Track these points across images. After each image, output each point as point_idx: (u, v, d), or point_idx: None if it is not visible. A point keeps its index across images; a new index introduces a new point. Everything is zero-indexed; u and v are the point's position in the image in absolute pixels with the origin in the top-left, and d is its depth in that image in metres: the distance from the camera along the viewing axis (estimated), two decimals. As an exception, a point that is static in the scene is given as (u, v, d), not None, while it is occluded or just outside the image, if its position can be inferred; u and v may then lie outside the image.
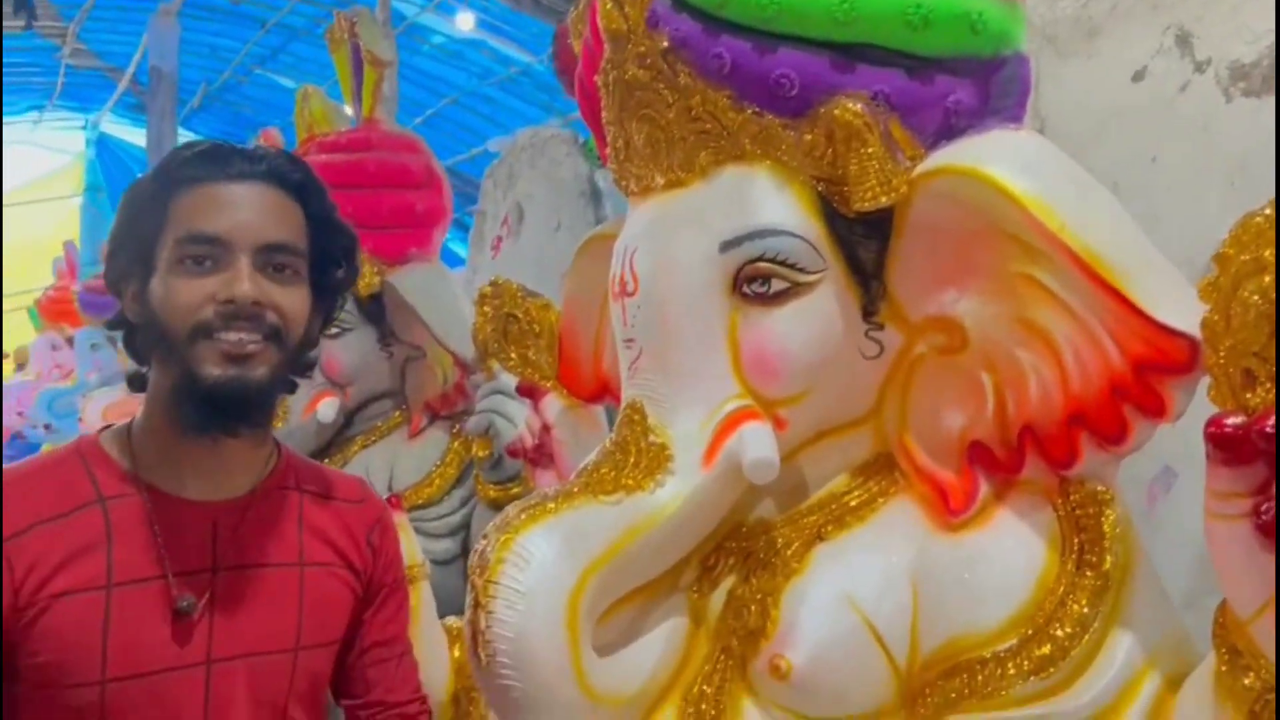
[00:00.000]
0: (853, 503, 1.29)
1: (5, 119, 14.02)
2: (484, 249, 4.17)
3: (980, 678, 1.12)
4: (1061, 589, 1.13)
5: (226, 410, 1.12)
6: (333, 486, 1.30)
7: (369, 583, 1.28)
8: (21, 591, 1.05)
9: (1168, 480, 1.84)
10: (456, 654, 1.74)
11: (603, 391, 1.73)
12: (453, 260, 4.45)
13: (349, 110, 3.13)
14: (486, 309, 2.19)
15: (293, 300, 1.16)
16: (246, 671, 1.15)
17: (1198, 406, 1.03)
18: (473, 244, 4.32)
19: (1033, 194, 1.07)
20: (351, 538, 1.27)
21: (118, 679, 1.07)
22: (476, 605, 1.15)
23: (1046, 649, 1.11)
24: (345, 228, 1.26)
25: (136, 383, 1.21)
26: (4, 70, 12.49)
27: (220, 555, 1.16)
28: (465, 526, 2.79)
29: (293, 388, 1.25)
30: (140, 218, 1.16)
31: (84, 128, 14.72)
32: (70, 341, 8.04)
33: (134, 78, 12.05)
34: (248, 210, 1.14)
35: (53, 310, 8.75)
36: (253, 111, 12.79)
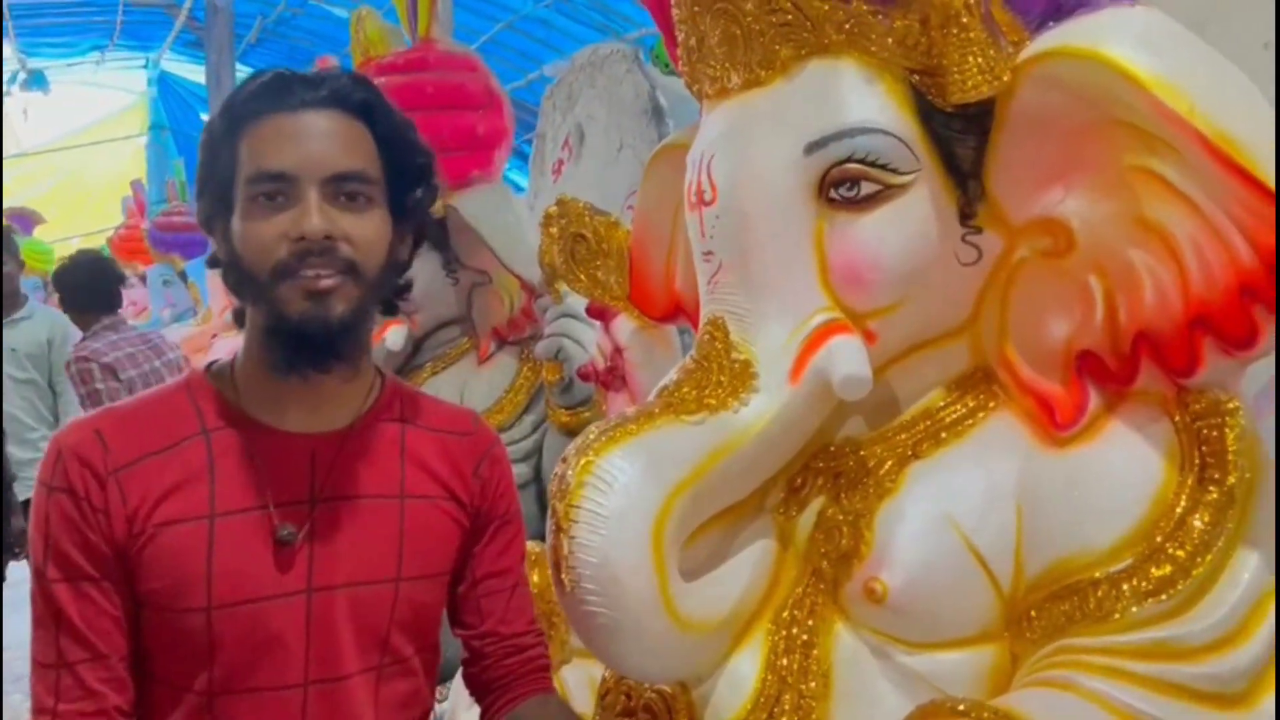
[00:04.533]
0: (949, 418, 1.22)
1: (69, 60, 14.21)
2: (545, 172, 4.09)
3: (1093, 600, 1.07)
4: (1181, 506, 1.06)
5: (312, 348, 1.12)
6: (440, 419, 1.28)
7: (477, 515, 1.26)
8: (135, 519, 1.09)
9: (1275, 393, 1.73)
10: (535, 578, 1.73)
11: (676, 311, 1.67)
12: (514, 188, 4.39)
13: (405, 33, 3.06)
14: (553, 230, 2.13)
15: (366, 229, 1.12)
16: (347, 600, 1.14)
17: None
18: (533, 167, 4.25)
19: (1158, 75, 0.97)
20: (457, 470, 1.24)
21: (223, 605, 1.09)
22: (558, 530, 1.12)
23: (1166, 569, 1.04)
24: (420, 145, 1.21)
25: (240, 318, 1.21)
26: (65, 11, 12.62)
27: (318, 486, 1.16)
28: (537, 451, 2.78)
29: (394, 310, 1.24)
30: (215, 157, 1.14)
31: (145, 66, 14.84)
32: (143, 279, 8.20)
33: (191, 14, 12.07)
34: (312, 141, 1.10)
35: (125, 248, 8.94)
36: (309, 44, 12.74)
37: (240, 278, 1.13)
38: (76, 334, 4.09)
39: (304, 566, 1.13)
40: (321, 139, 1.11)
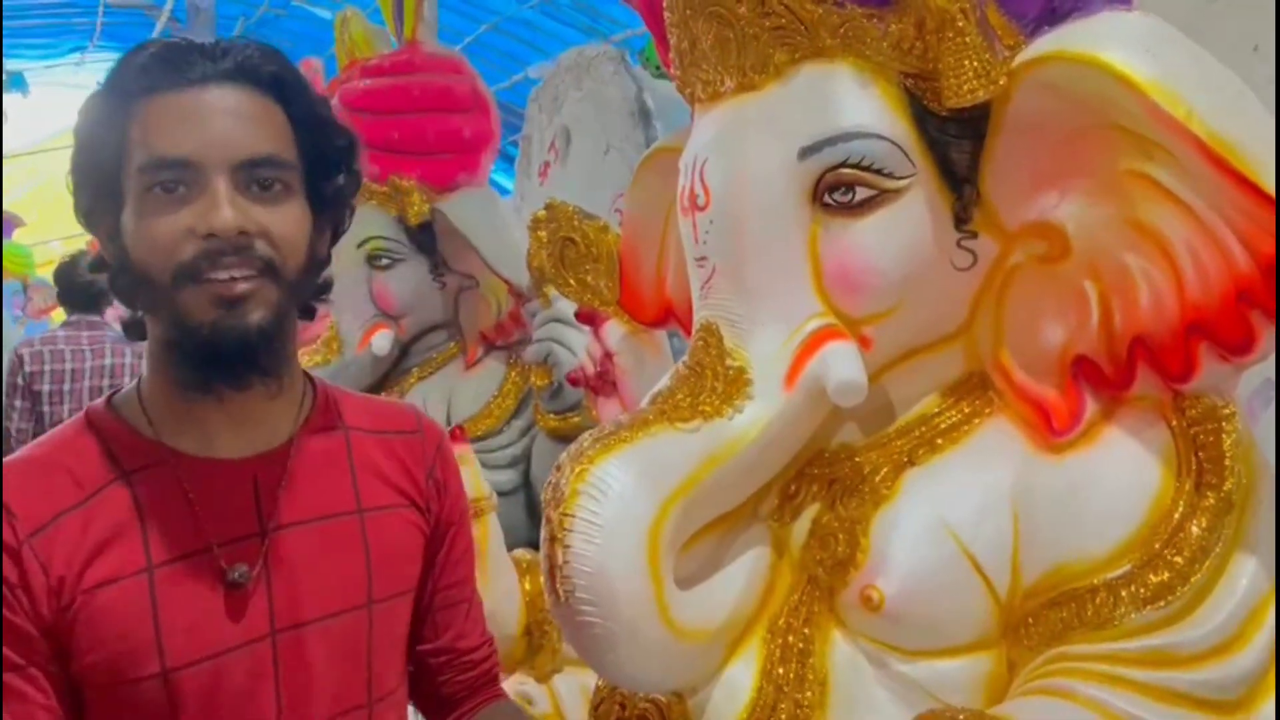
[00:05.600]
0: (944, 425, 1.21)
1: (48, 62, 14.09)
2: (531, 175, 4.07)
3: (1090, 607, 1.06)
4: (1178, 512, 1.06)
5: (226, 361, 0.98)
6: (383, 419, 1.16)
7: (436, 521, 1.15)
8: (61, 590, 0.93)
9: (1268, 394, 1.74)
10: (527, 586, 1.71)
11: (666, 315, 1.66)
12: (499, 191, 4.37)
13: (390, 35, 3.04)
14: (542, 234, 2.12)
15: (285, 221, 0.98)
16: (319, 636, 1.03)
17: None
18: (519, 171, 4.23)
19: (1156, 79, 0.97)
20: (410, 474, 1.13)
21: (180, 667, 0.96)
22: (553, 540, 1.10)
23: (1164, 576, 1.04)
24: (339, 126, 1.07)
25: (134, 330, 1.05)
26: (45, 12, 12.51)
27: (266, 516, 1.02)
28: (526, 457, 2.76)
29: (311, 314, 1.09)
30: (97, 142, 0.98)
31: (125, 68, 14.73)
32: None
33: (172, 15, 11.99)
34: (217, 121, 0.96)
35: (105, 252, 8.83)
36: (291, 45, 12.67)
37: (134, 283, 0.99)
38: (14, 340, 4.12)
39: (264, 607, 1.00)
40: (228, 118, 0.96)
